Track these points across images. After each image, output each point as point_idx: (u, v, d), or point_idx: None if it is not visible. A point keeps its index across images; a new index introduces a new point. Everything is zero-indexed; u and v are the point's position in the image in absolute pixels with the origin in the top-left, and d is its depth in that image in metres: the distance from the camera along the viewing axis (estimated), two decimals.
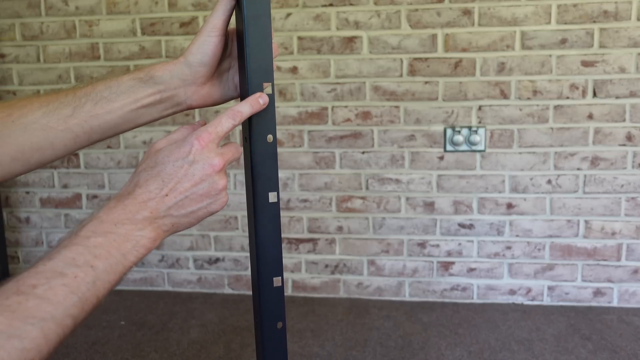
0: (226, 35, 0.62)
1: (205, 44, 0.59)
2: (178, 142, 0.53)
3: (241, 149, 0.57)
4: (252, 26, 0.57)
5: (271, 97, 0.58)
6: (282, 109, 2.11)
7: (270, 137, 0.59)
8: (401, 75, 2.03)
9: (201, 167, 0.52)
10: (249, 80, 0.58)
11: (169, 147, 0.53)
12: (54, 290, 0.41)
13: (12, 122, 0.55)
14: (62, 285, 0.42)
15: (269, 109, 0.59)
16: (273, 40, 0.60)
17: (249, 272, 2.26)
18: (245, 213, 2.21)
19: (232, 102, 0.64)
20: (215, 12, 0.59)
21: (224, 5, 0.59)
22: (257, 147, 0.58)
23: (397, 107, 2.05)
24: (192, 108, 0.64)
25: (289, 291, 2.23)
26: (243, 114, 0.56)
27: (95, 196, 2.27)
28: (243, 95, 0.59)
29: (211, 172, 0.52)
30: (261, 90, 0.58)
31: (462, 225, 2.10)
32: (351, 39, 2.03)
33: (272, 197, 0.59)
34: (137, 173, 0.52)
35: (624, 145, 1.98)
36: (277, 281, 0.61)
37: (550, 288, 2.09)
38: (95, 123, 0.58)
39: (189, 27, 2.10)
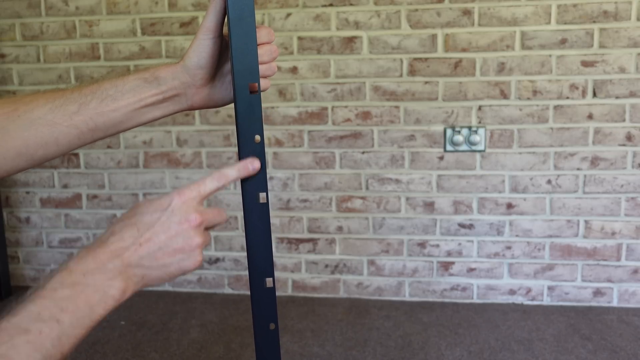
0: (223, 37, 0.62)
1: (201, 47, 0.60)
2: (160, 196, 0.53)
3: (225, 215, 0.57)
4: (236, 27, 0.57)
5: (257, 97, 0.58)
6: (282, 109, 2.11)
7: (257, 138, 0.59)
8: (401, 75, 2.03)
9: (178, 220, 0.51)
10: (234, 81, 0.58)
11: (150, 200, 0.53)
12: (16, 349, 0.40)
13: (18, 117, 0.55)
14: (26, 343, 0.40)
15: (255, 109, 0.59)
16: (273, 42, 0.60)
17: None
18: None
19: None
20: (207, 14, 0.59)
21: (214, 7, 0.59)
22: (245, 148, 0.58)
23: (397, 107, 2.05)
24: (194, 109, 0.65)
25: (289, 291, 2.23)
26: (229, 177, 0.56)
27: (95, 196, 2.27)
28: (234, 95, 0.60)
29: (187, 227, 0.51)
30: (247, 89, 0.58)
31: (462, 225, 2.10)
32: (351, 39, 2.03)
33: (261, 197, 0.59)
34: (114, 223, 0.52)
35: (624, 145, 1.98)
36: (268, 282, 0.60)
37: (550, 288, 2.09)
38: (100, 120, 0.58)
39: (189, 27, 2.10)
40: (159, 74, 0.60)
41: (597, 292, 2.07)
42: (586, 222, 2.04)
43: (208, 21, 0.59)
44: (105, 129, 0.59)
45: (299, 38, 2.05)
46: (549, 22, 1.94)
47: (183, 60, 0.61)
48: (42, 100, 0.56)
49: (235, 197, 2.19)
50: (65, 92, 0.58)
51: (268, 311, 0.61)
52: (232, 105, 0.65)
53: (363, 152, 2.10)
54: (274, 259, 2.19)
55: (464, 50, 1.99)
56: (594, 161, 2.00)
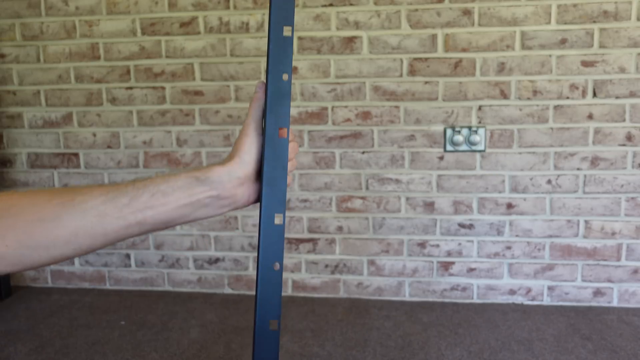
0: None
1: (256, 143, 0.62)
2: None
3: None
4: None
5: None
6: None
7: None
8: (401, 75, 2.03)
9: None
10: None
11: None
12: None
13: (72, 207, 0.56)
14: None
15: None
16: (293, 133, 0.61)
17: (249, 272, 2.26)
18: (246, 213, 2.21)
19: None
20: (253, 109, 0.63)
21: (259, 102, 0.63)
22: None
23: (397, 107, 2.05)
24: (251, 204, 0.65)
25: (289, 291, 2.23)
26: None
27: None
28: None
29: None
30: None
31: (462, 225, 2.10)
32: (351, 39, 2.03)
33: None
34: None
35: (624, 145, 1.98)
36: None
37: (550, 288, 2.09)
38: (149, 214, 0.58)
39: (189, 27, 2.10)
40: (210, 175, 0.61)
41: (597, 292, 2.07)
42: (586, 222, 2.04)
43: (257, 116, 0.63)
44: (153, 223, 0.59)
45: (299, 38, 2.05)
46: (549, 22, 1.94)
47: (239, 157, 0.62)
48: (97, 192, 0.57)
49: None
50: (120, 185, 0.59)
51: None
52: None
53: (363, 152, 2.10)
54: None
55: (464, 50, 1.99)
56: (594, 161, 2.00)
